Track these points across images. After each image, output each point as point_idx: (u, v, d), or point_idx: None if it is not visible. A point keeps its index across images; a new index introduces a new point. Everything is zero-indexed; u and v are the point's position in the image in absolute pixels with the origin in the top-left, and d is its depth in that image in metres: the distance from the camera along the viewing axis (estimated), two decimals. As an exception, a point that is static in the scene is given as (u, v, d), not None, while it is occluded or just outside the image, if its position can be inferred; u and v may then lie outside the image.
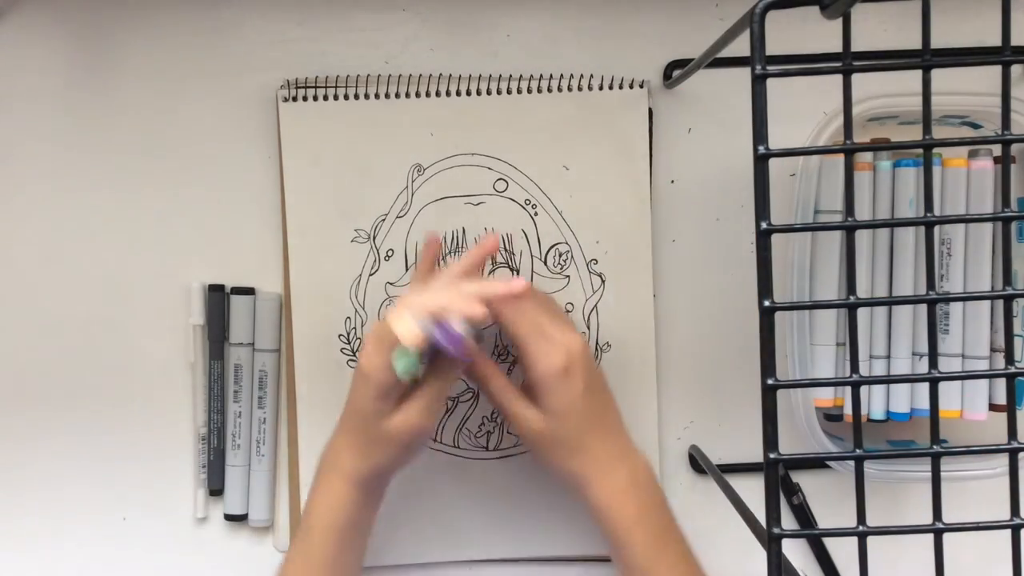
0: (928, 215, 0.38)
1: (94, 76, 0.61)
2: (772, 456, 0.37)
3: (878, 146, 0.53)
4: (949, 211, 0.55)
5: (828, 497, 0.62)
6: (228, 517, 0.61)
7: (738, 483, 0.53)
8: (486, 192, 0.60)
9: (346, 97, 0.60)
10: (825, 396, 0.56)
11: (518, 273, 0.60)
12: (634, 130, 0.60)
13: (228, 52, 0.61)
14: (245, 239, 0.61)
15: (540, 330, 0.50)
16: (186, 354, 0.61)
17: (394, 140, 0.60)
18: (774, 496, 0.37)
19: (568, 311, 0.60)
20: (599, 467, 0.52)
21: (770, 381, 0.37)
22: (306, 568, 0.53)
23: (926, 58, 0.37)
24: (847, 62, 0.37)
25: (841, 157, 0.44)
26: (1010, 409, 0.39)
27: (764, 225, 0.36)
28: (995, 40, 0.38)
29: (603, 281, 0.61)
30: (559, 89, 0.60)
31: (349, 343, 0.60)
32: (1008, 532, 0.38)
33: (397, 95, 0.60)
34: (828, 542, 0.62)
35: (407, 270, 0.60)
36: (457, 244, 0.60)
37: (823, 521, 0.62)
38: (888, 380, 0.55)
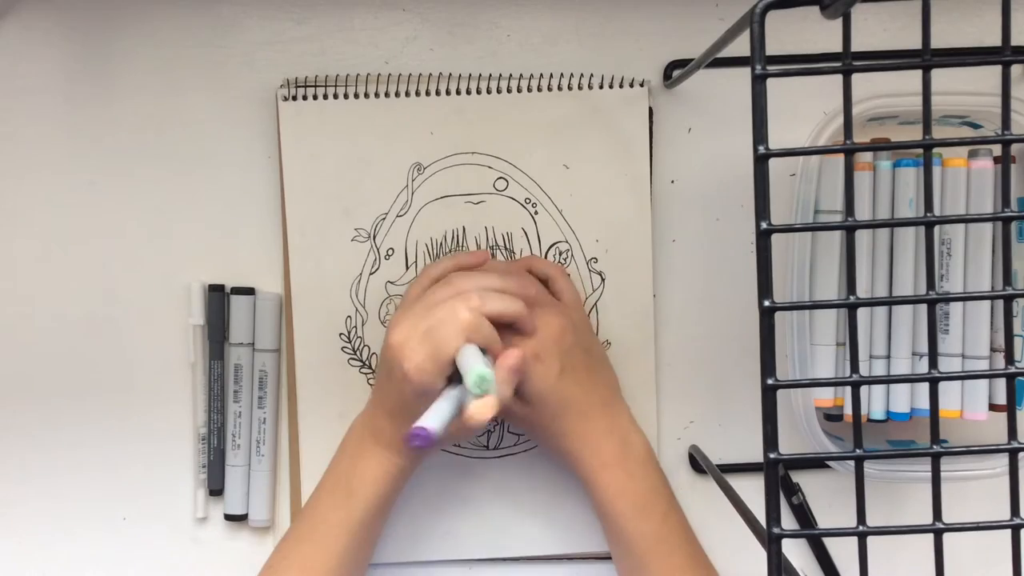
0: (928, 215, 0.38)
1: (94, 76, 0.61)
2: (772, 456, 0.37)
3: (878, 146, 0.53)
4: (949, 211, 0.55)
5: (828, 497, 0.62)
6: (228, 517, 0.61)
7: (738, 483, 0.53)
8: (486, 191, 0.60)
9: (346, 96, 0.60)
10: (825, 396, 0.56)
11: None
12: (634, 130, 0.60)
13: (228, 51, 0.61)
14: (245, 239, 0.61)
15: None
16: (186, 354, 0.61)
17: (394, 139, 0.60)
18: (774, 496, 0.37)
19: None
20: (585, 443, 0.54)
21: (770, 381, 0.37)
22: (345, 531, 0.54)
23: (926, 58, 0.37)
24: (847, 62, 0.37)
25: (841, 157, 0.44)
26: (1010, 409, 0.39)
27: (764, 225, 0.36)
28: (995, 40, 0.38)
29: (603, 280, 0.61)
30: (559, 88, 0.60)
31: (350, 342, 0.60)
32: (1008, 532, 0.38)
33: (397, 94, 0.60)
34: (828, 542, 0.62)
35: (407, 269, 0.60)
36: (457, 243, 0.60)
37: (823, 521, 0.62)
38: (888, 380, 0.55)
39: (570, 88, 0.60)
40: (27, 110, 0.61)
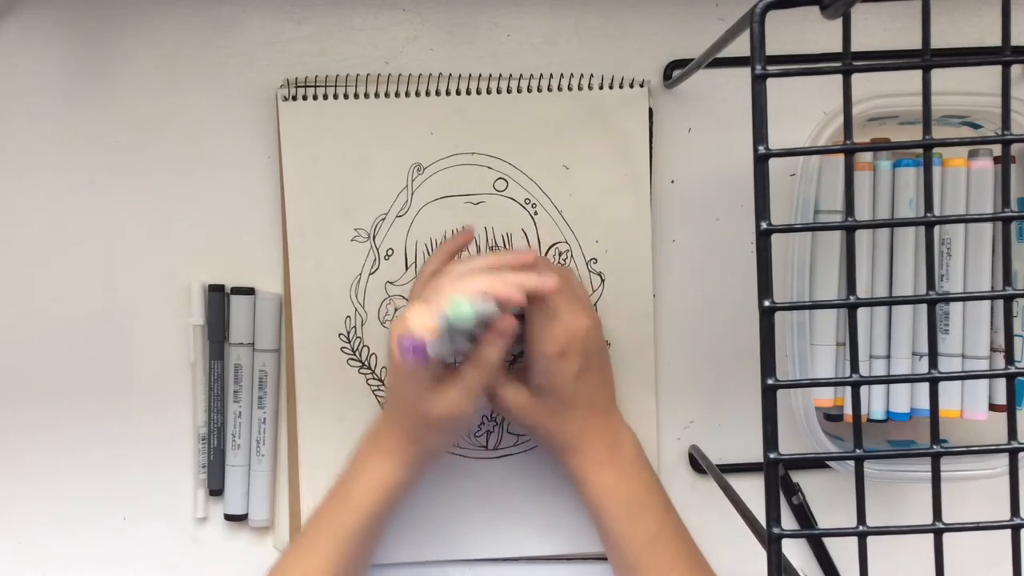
0: (928, 215, 0.38)
1: (94, 76, 0.61)
2: (772, 456, 0.37)
3: (878, 146, 0.53)
4: (949, 211, 0.55)
5: (828, 497, 0.62)
6: (228, 517, 0.61)
7: (738, 483, 0.53)
8: (486, 191, 0.60)
9: (346, 96, 0.60)
10: (825, 396, 0.56)
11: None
12: (634, 130, 0.60)
13: (228, 51, 0.61)
14: (245, 239, 0.61)
15: (551, 310, 0.52)
16: (186, 354, 0.61)
17: (394, 139, 0.60)
18: (774, 496, 0.37)
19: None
20: (580, 440, 0.54)
21: (770, 381, 0.37)
22: (339, 540, 0.53)
23: (926, 58, 0.37)
24: (847, 62, 0.37)
25: (841, 157, 0.44)
26: (1010, 409, 0.39)
27: (764, 225, 0.36)
28: (995, 40, 0.38)
29: (603, 280, 0.61)
30: (559, 88, 0.60)
31: (349, 342, 0.60)
32: (1008, 532, 0.38)
33: (397, 95, 0.60)
34: (828, 542, 0.62)
35: (407, 269, 0.60)
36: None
37: (823, 521, 0.62)
38: (888, 380, 0.55)
39: (570, 88, 0.60)
40: (27, 110, 0.61)
